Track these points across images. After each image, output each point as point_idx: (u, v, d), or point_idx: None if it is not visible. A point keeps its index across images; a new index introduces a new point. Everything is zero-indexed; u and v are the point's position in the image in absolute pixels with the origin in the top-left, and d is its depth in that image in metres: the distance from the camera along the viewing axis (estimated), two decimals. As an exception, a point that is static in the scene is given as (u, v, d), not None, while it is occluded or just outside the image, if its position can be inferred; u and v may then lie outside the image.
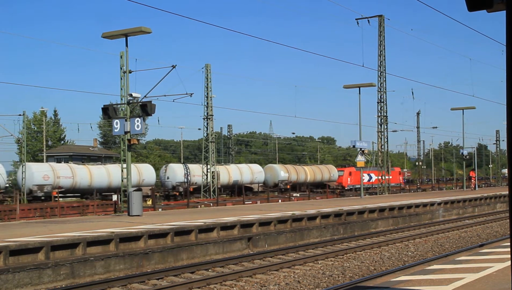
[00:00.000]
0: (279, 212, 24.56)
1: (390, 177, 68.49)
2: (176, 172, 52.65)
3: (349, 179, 66.14)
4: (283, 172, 61.77)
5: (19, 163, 50.24)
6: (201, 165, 53.44)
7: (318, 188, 61.95)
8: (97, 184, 45.78)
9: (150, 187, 46.60)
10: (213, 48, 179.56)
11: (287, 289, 13.19)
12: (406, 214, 29.18)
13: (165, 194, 51.73)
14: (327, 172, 67.52)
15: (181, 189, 50.90)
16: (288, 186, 58.51)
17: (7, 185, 48.07)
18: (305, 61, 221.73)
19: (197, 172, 53.27)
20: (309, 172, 64.69)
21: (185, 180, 52.30)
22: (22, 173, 42.71)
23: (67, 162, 48.53)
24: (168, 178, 52.63)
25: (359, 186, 58.37)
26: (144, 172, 49.57)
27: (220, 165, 59.26)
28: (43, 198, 42.12)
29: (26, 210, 34.80)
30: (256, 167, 61.44)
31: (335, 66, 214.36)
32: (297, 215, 22.73)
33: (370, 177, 62.07)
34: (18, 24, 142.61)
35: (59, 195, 41.72)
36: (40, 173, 43.08)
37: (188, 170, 53.31)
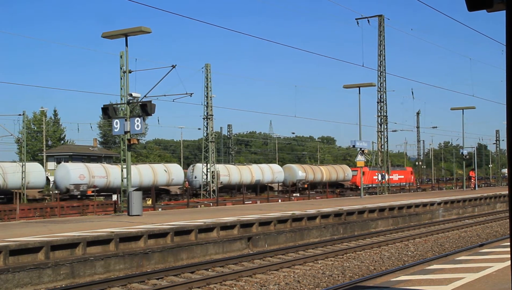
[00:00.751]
0: (279, 212, 24.56)
1: (402, 176, 71.79)
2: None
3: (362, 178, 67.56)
4: (300, 171, 63.76)
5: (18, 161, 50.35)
6: (225, 164, 57.02)
7: (333, 187, 63.96)
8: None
9: (179, 186, 50.47)
10: (213, 48, 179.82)
11: (287, 289, 13.19)
12: (406, 214, 29.18)
13: (193, 193, 53.73)
14: (342, 171, 69.76)
15: (208, 188, 53.06)
16: (306, 185, 60.30)
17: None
18: (305, 61, 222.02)
19: (223, 172, 55.54)
20: (325, 172, 66.76)
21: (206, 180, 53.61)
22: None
23: (102, 162, 50.32)
24: (195, 177, 54.45)
25: (373, 185, 61.12)
26: (173, 172, 51.42)
27: (243, 165, 61.62)
28: (79, 197, 43.90)
29: (26, 210, 34.81)
30: (276, 167, 63.99)
31: (335, 66, 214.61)
32: (297, 215, 22.73)
33: (384, 177, 63.07)
34: (18, 24, 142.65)
35: (94, 194, 43.77)
36: (76, 173, 44.36)
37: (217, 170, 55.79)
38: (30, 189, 43.42)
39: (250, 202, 42.06)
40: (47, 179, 48.99)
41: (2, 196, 43.05)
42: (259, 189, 53.15)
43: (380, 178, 60.36)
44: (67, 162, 50.52)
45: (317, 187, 61.35)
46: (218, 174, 52.24)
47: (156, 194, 43.37)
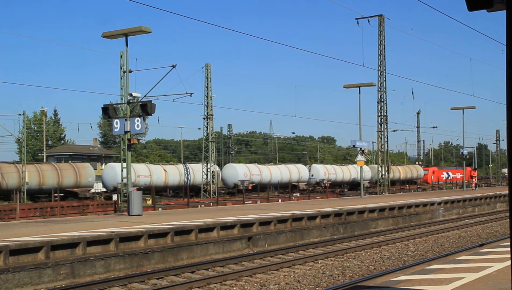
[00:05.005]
0: (279, 211, 24.55)
1: (463, 175, 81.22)
2: (319, 170, 66.31)
3: (432, 176, 79.33)
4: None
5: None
6: (332, 165, 69.87)
7: (407, 184, 73.68)
8: (275, 180, 60.69)
9: (305, 183, 62.99)
10: (213, 48, 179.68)
11: (287, 289, 13.19)
12: (406, 214, 29.18)
13: (311, 189, 62.89)
14: (415, 171, 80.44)
15: (322, 185, 64.60)
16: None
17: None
18: (305, 61, 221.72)
19: (331, 171, 67.19)
20: (402, 171, 77.38)
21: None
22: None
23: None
24: (312, 175, 65.65)
25: (440, 182, 72.92)
26: (301, 171, 64.30)
27: (344, 166, 72.09)
28: (241, 188, 53.72)
29: (26, 210, 34.81)
30: (365, 167, 77.51)
31: (335, 66, 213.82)
32: (297, 215, 22.73)
33: (448, 175, 70.84)
34: (18, 24, 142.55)
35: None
36: (242, 171, 57.02)
37: (327, 169, 67.52)
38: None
39: (250, 202, 42.06)
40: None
41: (179, 190, 51.68)
42: (351, 186, 62.15)
43: (446, 177, 68.07)
44: (67, 161, 50.60)
45: (396, 184, 70.49)
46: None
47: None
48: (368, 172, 71.03)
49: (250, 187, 54.96)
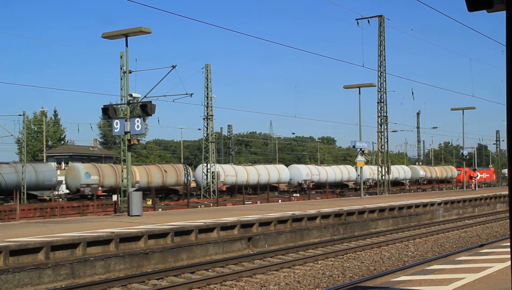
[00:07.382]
0: (279, 212, 24.55)
1: (488, 175, 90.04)
2: (365, 171, 68.07)
3: (465, 177, 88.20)
4: (421, 171, 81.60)
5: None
6: (377, 166, 73.91)
7: (442, 183, 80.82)
8: (330, 179, 66.40)
9: (353, 182, 68.00)
10: (213, 48, 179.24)
11: (287, 289, 13.19)
12: (406, 214, 29.18)
13: (358, 187, 66.35)
14: (450, 171, 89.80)
15: (368, 184, 68.30)
16: (425, 181, 78.94)
17: None
18: (305, 61, 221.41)
19: (375, 171, 68.15)
20: (438, 171, 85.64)
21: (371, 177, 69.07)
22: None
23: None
24: (359, 175, 65.72)
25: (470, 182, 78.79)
26: (350, 171, 70.27)
27: (395, 166, 76.35)
28: (306, 189, 58.62)
29: (26, 210, 34.81)
30: (406, 167, 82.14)
31: (335, 66, 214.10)
32: (297, 215, 22.73)
33: (476, 175, 76.88)
34: (18, 24, 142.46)
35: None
36: (304, 172, 63.17)
37: (386, 169, 72.22)
38: (281, 183, 60.52)
39: (250, 202, 42.05)
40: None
41: (255, 189, 56.18)
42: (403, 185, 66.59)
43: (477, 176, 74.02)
44: (67, 162, 50.69)
45: (432, 183, 77.65)
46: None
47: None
48: (408, 172, 78.46)
49: (311, 186, 60.24)
